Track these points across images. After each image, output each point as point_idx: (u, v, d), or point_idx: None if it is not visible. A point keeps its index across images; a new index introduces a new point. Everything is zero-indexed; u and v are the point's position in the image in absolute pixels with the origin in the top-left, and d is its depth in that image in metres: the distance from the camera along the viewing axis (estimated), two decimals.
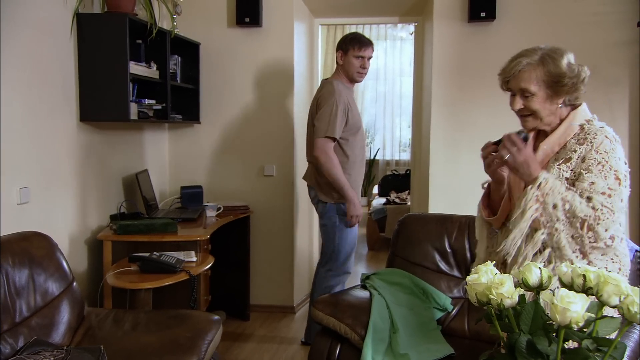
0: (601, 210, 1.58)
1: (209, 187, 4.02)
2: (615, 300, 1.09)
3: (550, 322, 1.10)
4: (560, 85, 1.70)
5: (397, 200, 6.38)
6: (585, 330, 1.10)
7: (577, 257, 1.64)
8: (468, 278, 1.20)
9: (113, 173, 3.32)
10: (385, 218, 6.06)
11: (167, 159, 4.12)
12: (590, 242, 1.60)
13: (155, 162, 3.90)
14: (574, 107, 1.77)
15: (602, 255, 1.67)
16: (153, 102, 3.31)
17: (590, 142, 1.67)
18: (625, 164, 1.68)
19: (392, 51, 8.54)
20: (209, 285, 3.31)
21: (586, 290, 1.13)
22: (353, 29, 8.48)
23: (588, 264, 1.65)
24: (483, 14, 3.66)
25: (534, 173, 1.65)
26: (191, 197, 3.77)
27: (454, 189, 3.82)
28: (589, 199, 1.60)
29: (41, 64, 2.64)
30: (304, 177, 3.51)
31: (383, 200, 6.51)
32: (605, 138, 1.67)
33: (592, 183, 1.61)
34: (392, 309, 2.52)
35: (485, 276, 1.18)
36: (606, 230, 1.59)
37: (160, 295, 2.85)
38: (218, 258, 3.20)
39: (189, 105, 3.91)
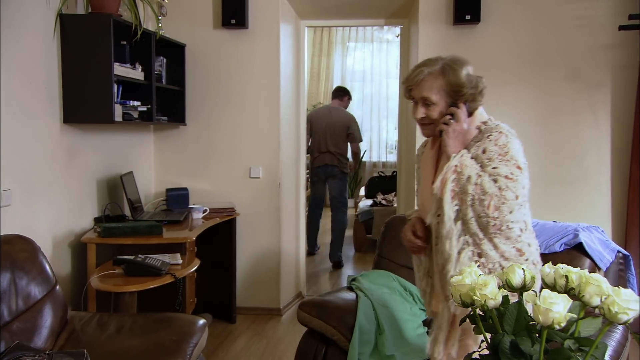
0: (506, 191, 1.64)
1: (195, 189, 4.00)
2: (596, 301, 1.10)
3: (533, 322, 1.11)
4: (460, 95, 1.76)
5: (383, 202, 6.39)
6: (567, 330, 1.11)
7: (483, 236, 1.69)
8: (452, 279, 1.21)
9: (97, 175, 3.29)
10: (372, 220, 6.06)
11: (152, 160, 4.09)
12: (495, 223, 1.65)
13: (141, 164, 3.87)
14: (471, 114, 1.81)
15: (506, 239, 1.72)
16: (138, 103, 3.28)
17: (488, 138, 1.72)
18: (524, 157, 1.73)
19: (379, 53, 8.58)
20: (195, 287, 3.28)
21: (568, 291, 1.14)
22: (339, 31, 8.53)
23: (493, 246, 1.71)
24: (468, 17, 3.69)
25: (457, 149, 1.74)
26: (177, 199, 3.75)
27: None
28: (494, 180, 1.66)
29: (24, 65, 2.61)
30: (328, 162, 5.40)
31: (370, 202, 6.52)
32: (501, 133, 1.73)
33: (495, 168, 1.67)
34: (378, 311, 2.53)
35: (469, 277, 1.19)
36: (510, 212, 1.65)
37: (146, 298, 2.82)
38: (204, 260, 3.18)
39: (175, 107, 3.89)
